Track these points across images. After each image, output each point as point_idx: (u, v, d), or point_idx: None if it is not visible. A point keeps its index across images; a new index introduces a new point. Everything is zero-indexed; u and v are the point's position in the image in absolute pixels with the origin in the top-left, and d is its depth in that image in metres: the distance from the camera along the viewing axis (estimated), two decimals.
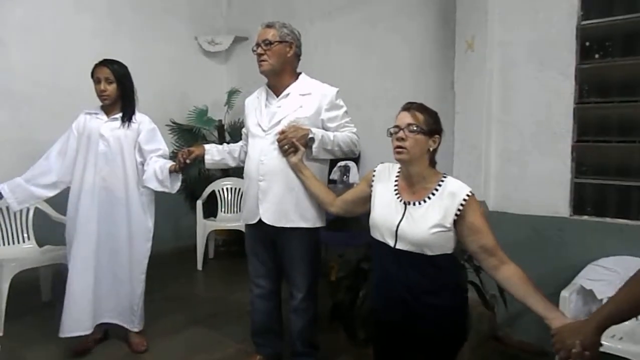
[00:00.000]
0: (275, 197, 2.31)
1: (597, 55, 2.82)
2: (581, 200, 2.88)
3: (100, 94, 2.67)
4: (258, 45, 2.32)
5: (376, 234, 1.72)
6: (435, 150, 1.70)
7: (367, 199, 1.83)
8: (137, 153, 2.76)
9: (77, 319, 2.65)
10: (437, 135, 1.68)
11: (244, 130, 2.64)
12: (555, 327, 1.37)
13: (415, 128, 1.63)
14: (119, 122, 2.73)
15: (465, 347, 1.88)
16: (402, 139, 1.63)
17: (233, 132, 4.83)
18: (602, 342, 1.27)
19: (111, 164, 2.70)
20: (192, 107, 4.93)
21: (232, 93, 4.90)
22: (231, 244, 4.92)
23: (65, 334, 2.64)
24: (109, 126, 2.72)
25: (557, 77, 2.87)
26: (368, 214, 1.83)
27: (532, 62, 2.95)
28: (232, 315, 3.35)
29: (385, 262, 1.68)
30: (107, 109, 2.75)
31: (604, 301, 2.39)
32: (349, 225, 2.68)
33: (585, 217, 2.86)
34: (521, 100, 3.01)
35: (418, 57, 3.76)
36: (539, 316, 1.46)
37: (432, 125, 1.67)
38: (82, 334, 2.69)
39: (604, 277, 2.50)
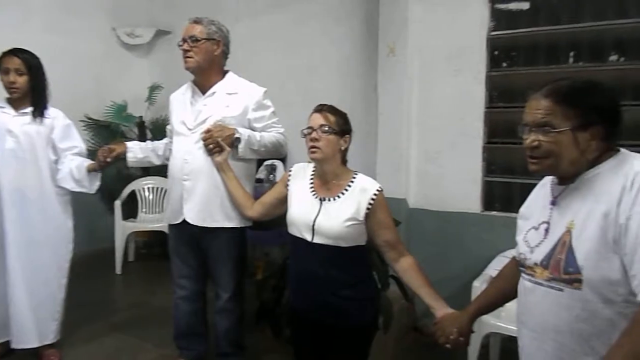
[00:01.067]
0: (200, 196, 2.27)
1: (504, 64, 3.08)
2: (491, 197, 3.13)
3: (9, 86, 2.47)
4: (184, 40, 2.27)
5: (294, 230, 1.77)
6: (346, 149, 1.79)
7: (284, 200, 1.89)
8: (51, 151, 2.58)
9: None
10: (347, 135, 1.78)
11: (168, 127, 2.57)
12: (438, 317, 1.56)
13: (327, 129, 1.71)
14: (29, 117, 2.53)
15: (387, 339, 1.99)
16: (316, 139, 1.70)
17: (155, 130, 4.66)
18: (473, 330, 1.52)
19: (21, 162, 2.49)
20: (109, 103, 4.69)
21: (153, 88, 4.72)
22: (153, 246, 4.74)
23: None
24: (18, 121, 2.52)
25: (470, 83, 3.09)
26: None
27: (448, 67, 3.15)
28: (154, 320, 3.24)
29: (303, 257, 1.75)
30: (15, 103, 2.54)
31: None
32: (276, 224, 2.69)
33: (494, 213, 3.10)
34: (438, 104, 3.20)
35: (345, 59, 3.86)
36: (427, 305, 1.65)
37: (342, 125, 1.76)
38: None
39: None
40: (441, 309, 1.58)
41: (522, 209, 1.38)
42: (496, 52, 3.08)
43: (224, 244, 2.33)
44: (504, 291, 1.44)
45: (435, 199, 3.22)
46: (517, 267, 1.32)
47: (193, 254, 2.43)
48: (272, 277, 2.66)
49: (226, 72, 2.40)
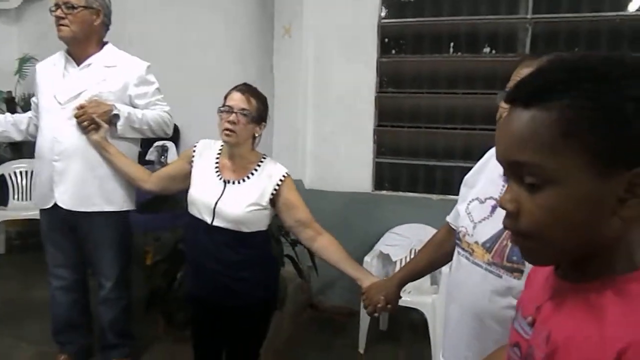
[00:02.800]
0: (74, 178, 2.09)
1: (393, 51, 3.24)
2: (381, 177, 3.30)
3: None
4: (58, 6, 2.04)
5: (194, 210, 1.71)
6: (259, 136, 1.74)
7: (186, 176, 1.80)
8: None
9: None
10: (263, 123, 1.74)
11: (33, 99, 2.30)
12: (365, 287, 1.57)
13: (247, 114, 1.64)
14: None
15: (283, 317, 2.02)
16: (233, 123, 1.62)
17: (26, 106, 4.16)
18: (401, 295, 1.53)
19: None
20: None
21: (24, 60, 4.22)
22: (27, 236, 4.28)
23: None
24: None
25: (362, 68, 3.21)
26: (185, 191, 1.80)
27: (342, 52, 3.23)
28: (30, 315, 2.95)
29: (201, 238, 1.69)
30: None
31: (397, 263, 2.85)
32: (166, 206, 2.58)
33: (384, 192, 3.29)
34: (333, 87, 3.27)
35: (240, 37, 3.78)
36: (352, 278, 1.65)
37: (262, 112, 1.70)
38: None
39: (397, 242, 2.93)
40: (367, 279, 1.59)
41: (468, 176, 1.31)
42: (386, 40, 3.22)
43: (104, 229, 2.18)
44: (433, 259, 1.42)
45: (330, 179, 3.31)
46: (449, 235, 1.30)
47: (68, 241, 2.24)
48: (162, 261, 2.55)
49: (105, 43, 2.21)
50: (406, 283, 1.50)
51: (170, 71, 3.00)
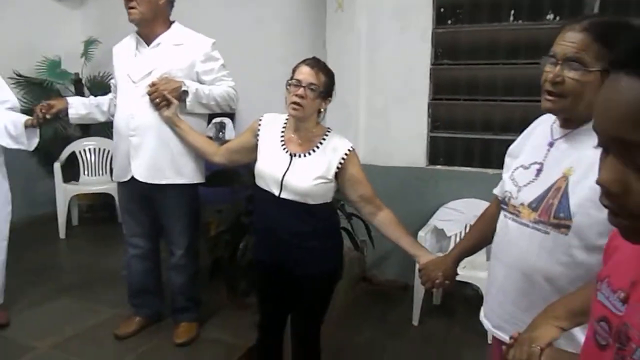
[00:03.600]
0: (148, 152, 2.22)
1: (449, 22, 3.14)
2: (435, 152, 3.26)
3: None
4: None
5: (261, 183, 1.75)
6: (325, 111, 1.77)
7: (252, 149, 1.84)
8: None
9: None
10: (329, 98, 1.74)
11: (112, 81, 2.46)
12: (422, 263, 1.60)
13: (315, 89, 1.65)
14: None
15: (338, 289, 2.07)
16: (301, 97, 1.64)
17: (93, 87, 4.41)
18: (458, 272, 1.55)
19: None
20: (41, 58, 4.37)
21: (89, 43, 4.43)
22: (97, 209, 4.59)
23: None
24: None
25: (416, 40, 3.14)
26: (250, 166, 1.86)
27: (394, 24, 3.17)
28: (104, 282, 3.19)
29: (269, 210, 1.74)
30: None
31: (452, 238, 2.83)
32: (229, 181, 2.69)
33: (439, 167, 3.24)
34: (386, 60, 3.23)
35: (292, 14, 3.78)
36: (409, 254, 1.69)
37: (329, 87, 1.72)
38: None
39: (452, 217, 2.90)
40: (424, 256, 1.62)
41: (512, 147, 1.33)
42: (442, 9, 3.12)
43: (176, 201, 2.31)
44: (486, 233, 1.42)
45: (382, 154, 3.30)
46: (498, 207, 1.31)
47: (144, 212, 2.40)
48: (225, 232, 2.67)
49: (172, 22, 2.31)
50: (462, 259, 1.52)
51: (223, 49, 3.06)
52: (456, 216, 2.89)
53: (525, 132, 1.30)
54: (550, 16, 2.90)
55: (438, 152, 3.26)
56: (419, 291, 2.73)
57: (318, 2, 3.46)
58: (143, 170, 2.24)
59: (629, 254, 0.64)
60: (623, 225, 0.53)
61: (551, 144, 1.17)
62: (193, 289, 2.52)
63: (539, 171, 1.16)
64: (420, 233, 2.71)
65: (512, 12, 2.98)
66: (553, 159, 1.15)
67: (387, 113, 3.28)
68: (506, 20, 3.00)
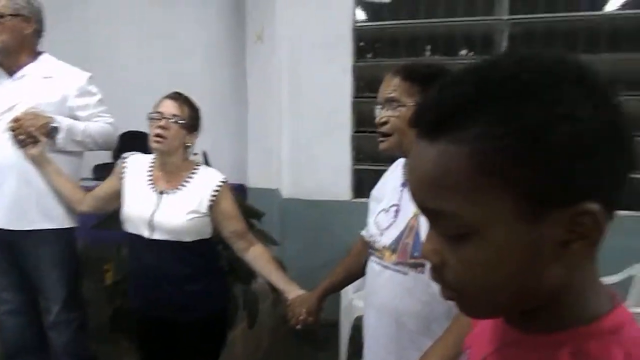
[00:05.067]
0: (8, 195, 1.93)
1: (369, 55, 3.17)
2: (360, 185, 3.22)
3: None
4: None
5: (130, 227, 1.65)
6: (192, 146, 1.69)
7: (119, 193, 1.72)
8: None
9: None
10: (196, 132, 1.68)
11: None
12: (290, 299, 1.58)
13: (180, 121, 1.59)
14: None
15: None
16: (165, 128, 1.57)
17: None
18: (322, 307, 1.54)
19: None
20: None
21: None
22: None
23: None
24: None
25: (338, 73, 3.13)
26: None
27: (316, 57, 3.15)
28: None
29: (142, 255, 1.64)
30: None
31: None
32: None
33: (364, 200, 3.18)
34: (308, 93, 3.19)
35: (210, 44, 3.65)
36: (279, 290, 1.67)
37: (194, 120, 1.66)
38: None
39: None
40: (292, 292, 1.60)
41: (374, 191, 1.40)
42: (362, 44, 3.16)
43: (45, 248, 2.01)
44: (351, 270, 1.49)
45: (307, 188, 3.22)
46: (365, 247, 1.35)
47: (9, 262, 2.06)
48: (123, 281, 2.40)
49: (40, 53, 2.07)
50: (327, 295, 1.54)
51: (136, 78, 2.87)
52: None
53: (385, 175, 1.38)
54: (463, 52, 3.02)
55: (362, 184, 3.23)
56: (344, 328, 2.62)
57: (237, 33, 3.38)
58: (3, 215, 1.95)
59: (484, 325, 0.57)
60: (453, 298, 0.46)
61: (404, 185, 1.22)
62: (82, 347, 2.18)
63: (397, 212, 1.21)
64: None
65: (428, 47, 3.07)
66: (406, 199, 1.18)
67: (311, 146, 3.22)
68: (423, 55, 3.08)
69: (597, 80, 0.41)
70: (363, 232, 1.41)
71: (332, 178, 3.20)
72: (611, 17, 2.84)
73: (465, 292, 0.45)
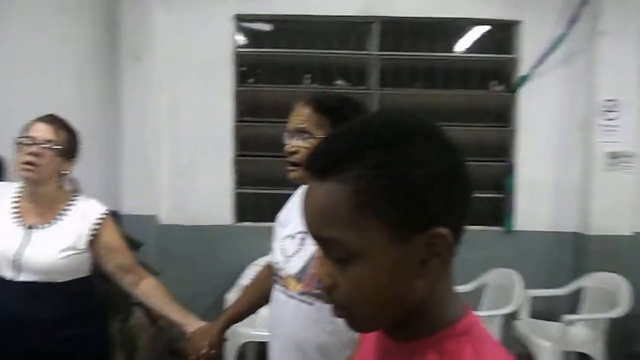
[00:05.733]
0: None
1: (250, 80, 3.22)
2: (242, 209, 3.21)
3: None
4: None
5: None
6: (69, 174, 1.54)
7: None
8: None
9: None
10: (73, 159, 1.53)
11: None
12: (189, 332, 1.48)
13: (55, 146, 1.44)
14: None
15: None
16: (36, 155, 1.41)
17: None
18: (225, 339, 1.48)
19: None
20: None
21: None
22: None
23: None
24: None
25: (219, 96, 3.12)
26: None
27: (197, 80, 3.10)
28: None
29: (6, 300, 1.43)
30: None
31: None
32: None
33: (246, 224, 3.19)
34: (189, 116, 3.12)
35: (83, 62, 3.35)
36: (177, 324, 1.54)
37: (73, 146, 1.52)
38: None
39: None
40: (192, 324, 1.49)
41: (280, 216, 1.37)
42: (243, 68, 3.19)
43: None
44: (255, 299, 1.44)
45: (187, 213, 3.11)
46: (270, 274, 1.32)
47: None
48: None
49: None
50: (230, 326, 1.48)
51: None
52: None
53: (291, 200, 1.36)
54: (340, 82, 3.21)
55: (245, 208, 3.22)
56: (230, 357, 2.55)
57: (110, 50, 3.18)
58: None
59: (369, 341, 0.65)
60: (343, 316, 0.56)
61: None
62: None
63: (303, 240, 1.19)
64: (229, 295, 2.56)
65: (308, 75, 3.21)
66: None
67: (192, 170, 3.13)
68: (302, 83, 3.21)
69: (443, 135, 0.55)
70: (268, 258, 1.38)
71: (214, 202, 3.14)
72: (462, 58, 3.26)
73: (353, 309, 0.54)
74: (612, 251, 2.98)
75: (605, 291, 2.78)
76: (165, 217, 3.12)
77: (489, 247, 3.08)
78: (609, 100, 2.98)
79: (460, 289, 2.91)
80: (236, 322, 1.49)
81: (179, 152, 3.13)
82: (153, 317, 2.38)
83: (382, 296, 0.52)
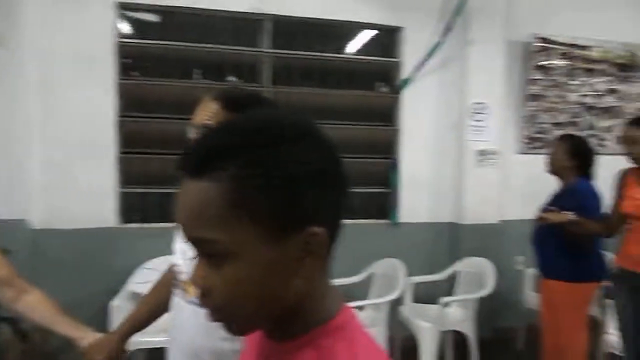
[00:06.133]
0: None
1: (136, 73, 3.03)
2: (128, 209, 3.02)
3: None
4: None
5: None
6: None
7: None
8: None
9: None
10: None
11: None
12: (84, 346, 1.36)
13: None
14: None
15: None
16: None
17: None
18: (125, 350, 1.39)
19: None
20: None
21: None
22: None
23: None
24: None
25: (100, 90, 2.90)
26: None
27: (74, 72, 2.85)
28: None
29: None
30: None
31: None
32: None
33: (133, 225, 3.01)
34: (65, 111, 2.85)
35: None
36: (69, 339, 1.40)
37: None
38: None
39: (152, 278, 2.69)
40: (87, 337, 1.37)
41: None
42: (127, 60, 3.00)
43: None
44: (156, 306, 1.37)
45: (64, 215, 2.85)
46: (172, 277, 1.28)
47: None
48: None
49: None
50: (130, 336, 1.39)
51: None
52: (156, 276, 2.70)
53: None
54: (232, 78, 3.17)
55: (131, 209, 3.03)
56: None
57: None
58: None
59: (250, 344, 0.66)
60: (218, 320, 0.55)
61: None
62: None
63: None
64: (115, 302, 2.41)
65: (200, 71, 3.12)
66: None
67: (70, 169, 2.87)
68: (193, 78, 3.11)
69: (320, 134, 0.55)
70: (170, 260, 1.33)
71: (96, 203, 2.91)
72: (352, 59, 3.41)
73: (230, 311, 0.53)
74: (481, 238, 3.34)
75: (475, 274, 3.11)
76: (39, 221, 2.82)
77: (376, 239, 3.27)
78: (478, 103, 3.33)
79: (351, 279, 3.05)
80: (137, 330, 1.39)
81: (54, 150, 2.84)
82: (22, 332, 2.15)
83: (259, 296, 0.52)
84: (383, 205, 3.41)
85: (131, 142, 3.00)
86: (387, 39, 3.41)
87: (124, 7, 2.95)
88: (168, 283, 1.32)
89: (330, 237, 0.53)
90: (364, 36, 3.42)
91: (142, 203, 3.06)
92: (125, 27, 3.01)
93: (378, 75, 3.44)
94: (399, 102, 3.37)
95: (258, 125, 0.52)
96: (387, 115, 3.43)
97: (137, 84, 3.02)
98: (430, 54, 3.29)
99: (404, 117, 3.37)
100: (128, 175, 3.01)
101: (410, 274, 3.01)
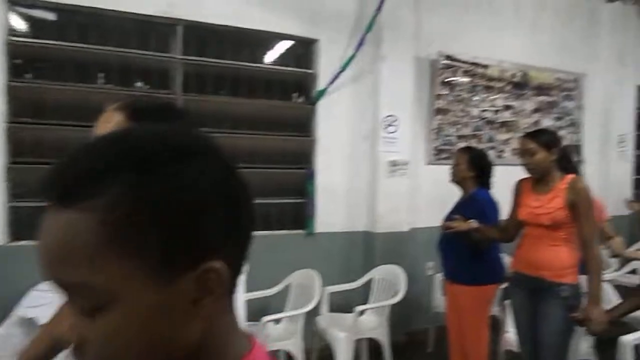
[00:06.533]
0: None
1: (29, 75, 2.76)
2: (18, 225, 2.72)
3: None
4: None
5: None
6: None
7: None
8: None
9: None
10: None
11: None
12: None
13: None
14: None
15: None
16: None
17: None
18: None
19: None
20: None
21: None
22: None
23: None
24: None
25: None
26: None
27: None
28: None
29: None
30: None
31: None
32: None
33: (23, 242, 2.71)
34: None
35: None
36: None
37: None
38: None
39: (46, 301, 2.45)
40: None
41: None
42: (18, 61, 2.72)
43: None
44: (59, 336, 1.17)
45: None
46: None
47: None
48: None
49: None
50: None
51: None
52: (49, 299, 2.45)
53: None
54: (139, 84, 2.99)
55: (23, 225, 2.74)
56: None
57: None
58: None
59: None
60: None
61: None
62: None
63: None
64: (0, 331, 2.14)
65: (102, 74, 2.91)
66: None
67: None
68: (95, 83, 2.89)
69: (221, 154, 0.46)
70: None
71: None
72: (267, 69, 3.38)
73: None
74: (393, 246, 3.45)
75: (388, 281, 3.19)
76: None
77: (292, 250, 3.25)
78: (389, 116, 3.45)
79: (268, 291, 3.00)
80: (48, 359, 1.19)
81: None
82: None
83: (145, 348, 0.42)
84: (299, 216, 3.41)
85: (22, 151, 2.72)
86: (303, 50, 3.43)
87: (16, 2, 2.68)
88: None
89: (234, 270, 0.45)
90: (281, 47, 3.42)
91: (35, 218, 2.77)
92: (18, 25, 2.73)
93: (294, 86, 3.45)
94: (314, 112, 3.40)
95: (140, 143, 0.43)
96: (303, 126, 3.44)
97: (30, 87, 2.74)
98: (344, 67, 3.36)
99: (320, 127, 3.41)
100: (18, 188, 2.72)
101: (327, 283, 3.02)
